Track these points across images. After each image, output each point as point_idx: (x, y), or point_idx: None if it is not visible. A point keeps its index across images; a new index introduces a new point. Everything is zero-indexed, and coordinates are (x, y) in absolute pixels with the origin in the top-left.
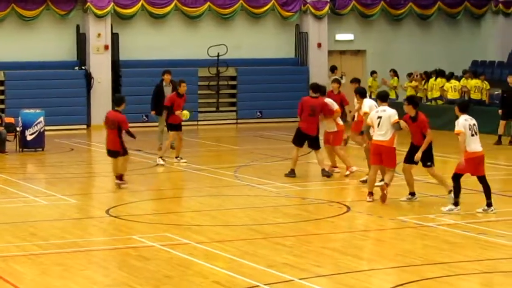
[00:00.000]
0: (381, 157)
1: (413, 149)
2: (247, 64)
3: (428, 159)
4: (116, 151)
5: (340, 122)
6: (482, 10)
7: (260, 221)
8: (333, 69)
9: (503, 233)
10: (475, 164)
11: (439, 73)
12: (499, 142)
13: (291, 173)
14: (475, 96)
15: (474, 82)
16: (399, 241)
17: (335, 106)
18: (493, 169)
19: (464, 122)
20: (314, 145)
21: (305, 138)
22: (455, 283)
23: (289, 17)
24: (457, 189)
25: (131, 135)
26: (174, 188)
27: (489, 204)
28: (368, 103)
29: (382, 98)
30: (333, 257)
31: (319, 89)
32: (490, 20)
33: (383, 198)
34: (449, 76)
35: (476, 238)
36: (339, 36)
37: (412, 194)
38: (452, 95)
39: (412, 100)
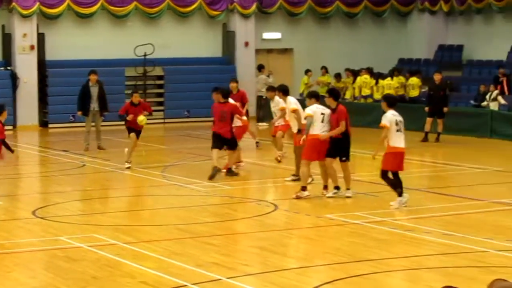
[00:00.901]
0: (319, 152)
1: (333, 143)
2: (174, 64)
3: (343, 154)
4: None
5: (244, 118)
6: (408, 8)
7: (188, 221)
8: (260, 67)
9: (429, 230)
10: (396, 159)
11: (368, 71)
12: (425, 139)
13: (215, 171)
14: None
15: (397, 80)
16: (327, 239)
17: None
18: (419, 166)
19: (392, 117)
20: (231, 146)
21: (221, 140)
22: (382, 280)
23: (216, 16)
24: (392, 183)
25: (7, 147)
26: (101, 189)
27: (400, 193)
28: (293, 100)
29: (316, 97)
30: (261, 256)
31: (227, 95)
32: (416, 18)
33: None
34: (378, 75)
35: (403, 235)
36: (267, 35)
37: (337, 188)
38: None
39: (333, 92)
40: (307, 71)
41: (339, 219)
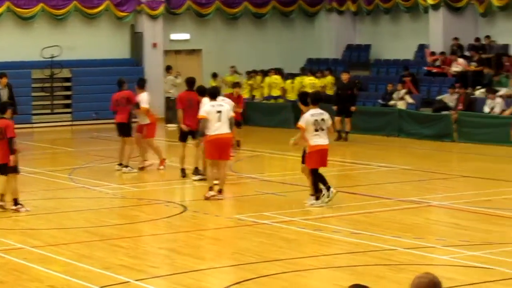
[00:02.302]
0: (221, 151)
1: None
2: (82, 65)
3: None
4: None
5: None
6: (315, 9)
7: (96, 223)
8: (168, 68)
9: (338, 229)
10: (319, 156)
11: (276, 71)
12: (339, 137)
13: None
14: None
15: (308, 80)
16: (236, 240)
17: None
18: (328, 165)
19: (309, 117)
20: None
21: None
22: (291, 280)
23: (123, 17)
24: (316, 181)
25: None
26: (7, 192)
27: (328, 188)
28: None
29: (213, 95)
30: (170, 257)
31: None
32: (324, 18)
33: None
34: (287, 75)
35: (312, 234)
36: (175, 36)
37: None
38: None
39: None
40: (214, 75)
41: (248, 220)
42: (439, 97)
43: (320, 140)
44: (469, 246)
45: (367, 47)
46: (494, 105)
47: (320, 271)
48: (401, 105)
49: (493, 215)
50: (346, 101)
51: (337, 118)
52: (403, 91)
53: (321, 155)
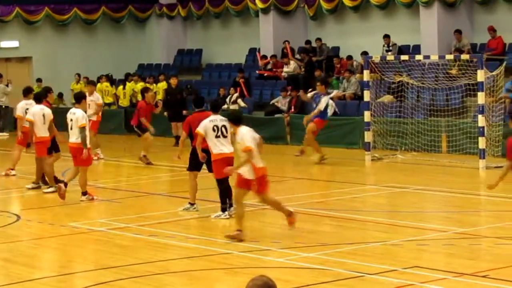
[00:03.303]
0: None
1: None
2: None
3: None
4: None
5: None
6: (146, 14)
7: None
8: None
9: (173, 234)
10: (224, 164)
11: (108, 78)
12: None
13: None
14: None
15: (140, 85)
16: (71, 247)
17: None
18: (167, 171)
19: (208, 123)
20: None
21: None
22: (128, 286)
23: None
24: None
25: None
26: None
27: (230, 205)
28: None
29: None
30: (4, 268)
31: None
32: (155, 23)
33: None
34: (119, 81)
35: (147, 240)
36: (4, 44)
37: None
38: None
39: None
40: (38, 80)
41: (83, 227)
42: (272, 101)
43: (224, 148)
44: (304, 248)
45: (199, 52)
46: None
47: (156, 276)
48: (234, 108)
49: (327, 216)
50: (176, 105)
51: (173, 124)
52: (236, 95)
53: (226, 163)
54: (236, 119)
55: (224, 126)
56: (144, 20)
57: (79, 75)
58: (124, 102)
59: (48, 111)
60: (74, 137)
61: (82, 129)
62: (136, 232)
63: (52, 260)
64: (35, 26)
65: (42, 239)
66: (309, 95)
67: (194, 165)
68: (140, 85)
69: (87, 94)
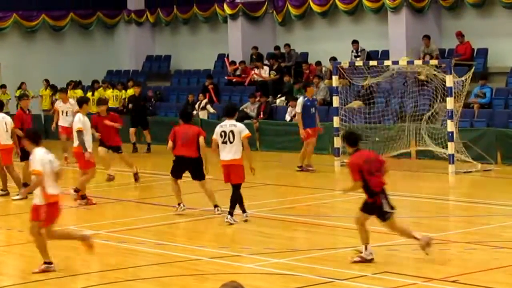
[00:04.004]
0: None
1: None
2: None
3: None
4: None
5: None
6: (114, 20)
7: None
8: None
9: (143, 240)
10: (225, 172)
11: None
12: (135, 149)
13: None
14: (113, 104)
15: (110, 92)
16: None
17: None
18: (130, 177)
19: (218, 128)
20: None
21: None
22: None
23: None
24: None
25: None
26: None
27: (244, 211)
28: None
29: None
30: None
31: None
32: (123, 29)
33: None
34: (87, 88)
35: (117, 247)
36: None
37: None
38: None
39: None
40: (1, 86)
41: None
42: (241, 107)
43: (226, 155)
44: (274, 254)
45: (167, 58)
46: (294, 113)
47: (126, 283)
48: (202, 115)
49: (297, 222)
50: (140, 113)
51: (131, 130)
52: (205, 101)
53: (226, 170)
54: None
55: (231, 131)
56: (112, 27)
57: (47, 81)
58: (93, 109)
59: (9, 120)
60: (76, 142)
61: (79, 133)
62: (105, 238)
63: (20, 267)
64: (3, 32)
65: (10, 246)
66: (300, 102)
67: (176, 173)
68: (110, 91)
69: (61, 101)
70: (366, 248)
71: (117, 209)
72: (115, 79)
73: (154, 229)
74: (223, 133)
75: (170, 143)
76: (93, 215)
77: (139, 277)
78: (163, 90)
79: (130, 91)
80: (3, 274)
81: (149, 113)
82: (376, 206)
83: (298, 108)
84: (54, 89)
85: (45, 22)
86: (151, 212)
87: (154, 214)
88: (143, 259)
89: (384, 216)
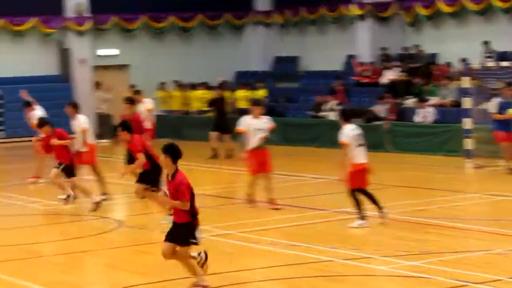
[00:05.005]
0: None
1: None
2: (11, 83)
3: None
4: None
5: None
6: (242, 21)
7: (31, 240)
8: (97, 84)
9: (275, 241)
10: (362, 175)
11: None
12: (215, 156)
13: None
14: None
15: (243, 92)
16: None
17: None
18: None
19: (350, 132)
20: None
21: None
22: None
23: (50, 33)
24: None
25: None
26: None
27: (380, 208)
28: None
29: None
30: (107, 273)
31: None
32: (251, 30)
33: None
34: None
35: (249, 247)
36: (103, 51)
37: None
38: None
39: (125, 126)
40: (131, 86)
41: None
42: (371, 108)
43: (361, 158)
44: (407, 256)
45: (295, 59)
46: (425, 114)
47: (258, 284)
48: (331, 116)
49: (429, 224)
50: (222, 116)
51: (212, 134)
52: (334, 102)
53: (364, 173)
54: None
55: (360, 134)
56: (240, 27)
57: (176, 81)
58: None
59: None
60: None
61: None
62: (237, 239)
63: (152, 266)
64: (132, 34)
65: (142, 245)
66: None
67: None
68: (241, 92)
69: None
70: None
71: (249, 209)
72: (243, 80)
73: (286, 230)
74: (357, 136)
75: None
76: (224, 216)
77: (270, 278)
78: (292, 91)
79: (260, 92)
80: (137, 273)
81: (277, 114)
82: None
83: (494, 109)
84: (183, 89)
85: (173, 23)
86: (282, 213)
87: (286, 215)
88: (275, 260)
89: None
